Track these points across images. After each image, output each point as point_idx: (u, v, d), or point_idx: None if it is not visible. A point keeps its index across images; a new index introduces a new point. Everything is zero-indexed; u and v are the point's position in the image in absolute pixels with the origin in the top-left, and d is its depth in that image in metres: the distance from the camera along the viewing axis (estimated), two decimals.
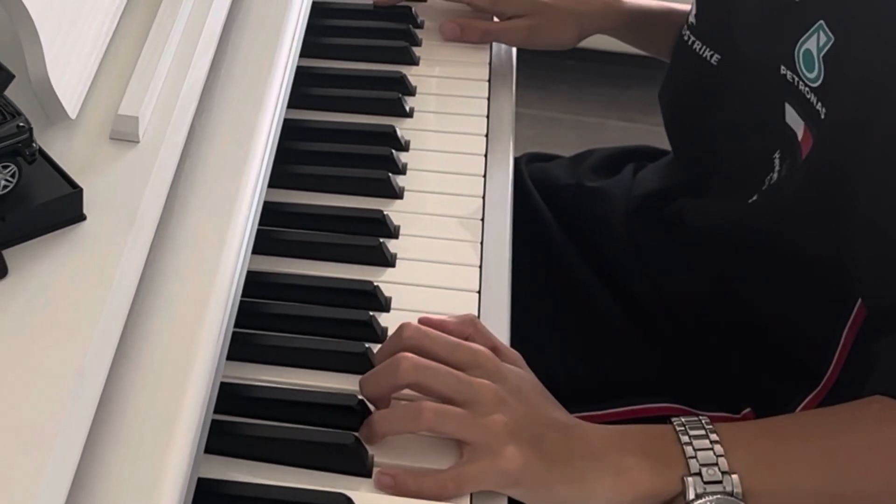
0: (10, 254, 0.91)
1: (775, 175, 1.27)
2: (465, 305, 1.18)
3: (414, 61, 1.48)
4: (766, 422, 1.11)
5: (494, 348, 1.09)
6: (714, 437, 1.04)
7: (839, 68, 1.17)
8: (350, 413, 1.06)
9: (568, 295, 1.45)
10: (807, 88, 1.20)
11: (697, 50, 1.40)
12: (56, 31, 0.97)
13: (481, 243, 1.25)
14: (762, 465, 1.04)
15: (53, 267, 0.91)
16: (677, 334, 1.39)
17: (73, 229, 0.94)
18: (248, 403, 1.06)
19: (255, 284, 1.12)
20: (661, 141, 1.49)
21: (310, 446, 1.03)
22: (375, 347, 1.12)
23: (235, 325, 1.02)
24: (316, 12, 1.40)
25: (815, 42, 1.18)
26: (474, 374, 1.05)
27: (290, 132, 1.27)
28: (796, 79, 1.22)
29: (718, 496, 1.02)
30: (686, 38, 1.43)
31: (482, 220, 1.27)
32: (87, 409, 0.84)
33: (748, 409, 1.34)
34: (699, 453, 1.04)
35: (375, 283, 1.18)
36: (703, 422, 1.06)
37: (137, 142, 1.01)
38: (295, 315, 1.15)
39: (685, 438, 1.04)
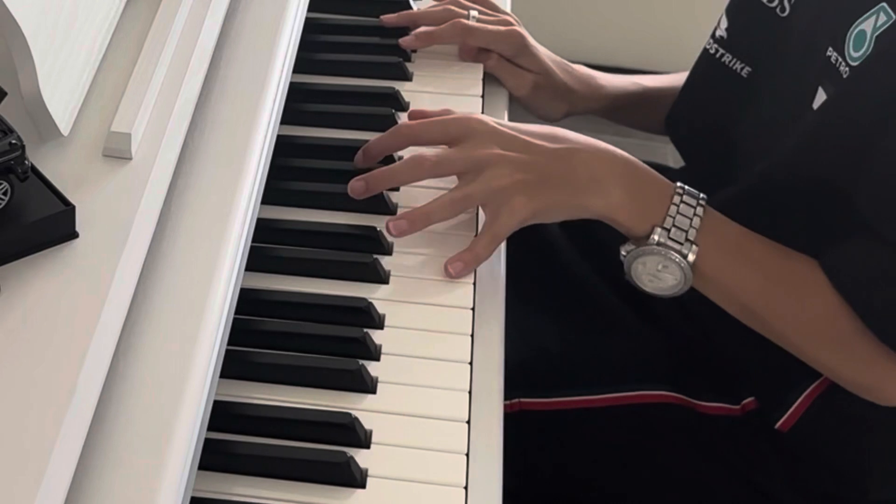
0: (2, 271, 0.90)
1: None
2: (459, 322, 1.18)
3: (407, 77, 1.47)
4: (740, 229, 1.25)
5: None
6: (700, 211, 1.22)
7: (889, 46, 1.19)
8: (344, 430, 1.05)
9: (567, 283, 1.46)
10: (847, 68, 1.23)
11: (727, 63, 1.43)
12: (48, 48, 0.97)
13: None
14: (722, 257, 1.23)
15: (46, 285, 0.90)
16: (680, 322, 1.39)
17: (65, 247, 0.93)
18: (241, 421, 1.06)
19: (248, 302, 1.12)
20: (653, 155, 1.50)
21: (303, 464, 1.03)
22: (369, 365, 1.12)
23: (229, 343, 1.01)
24: (309, 28, 1.40)
25: (873, 22, 1.20)
26: (474, 143, 1.23)
27: (284, 148, 1.27)
28: (839, 59, 1.24)
29: (672, 254, 1.20)
30: (714, 51, 1.45)
31: (476, 230, 1.27)
32: (80, 428, 0.83)
33: (750, 399, 1.35)
34: (679, 217, 1.22)
35: (369, 300, 1.18)
36: (700, 197, 1.23)
37: (130, 159, 1.01)
38: (288, 332, 1.15)
39: (676, 200, 1.22)
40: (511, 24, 1.50)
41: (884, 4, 1.20)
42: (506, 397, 1.13)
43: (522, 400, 1.36)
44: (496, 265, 1.25)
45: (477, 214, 1.29)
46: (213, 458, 1.00)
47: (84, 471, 0.83)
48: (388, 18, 1.52)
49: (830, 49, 1.25)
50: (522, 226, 1.23)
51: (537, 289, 1.46)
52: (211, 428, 0.97)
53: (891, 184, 1.19)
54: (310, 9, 1.37)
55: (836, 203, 1.22)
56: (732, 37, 1.43)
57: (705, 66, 1.47)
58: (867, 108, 1.20)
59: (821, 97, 1.26)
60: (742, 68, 1.41)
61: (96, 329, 0.87)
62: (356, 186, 1.25)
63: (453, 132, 1.26)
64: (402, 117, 1.41)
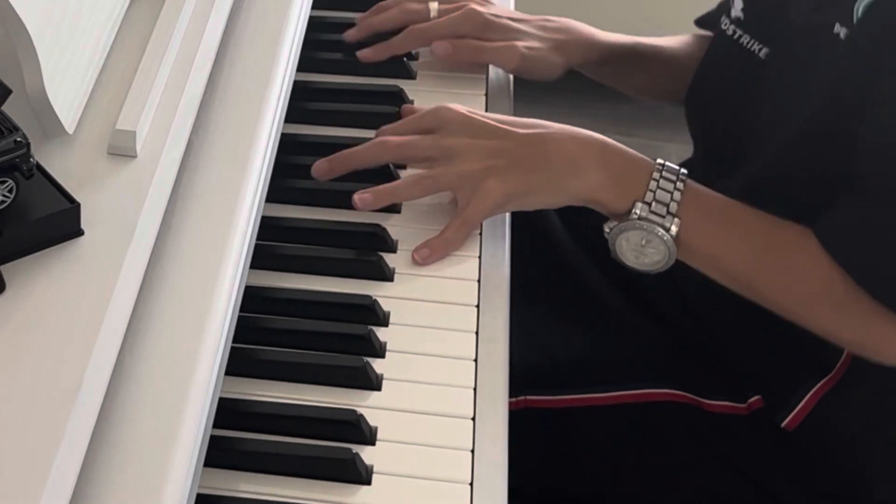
0: (7, 269, 0.90)
1: None
2: (464, 319, 1.18)
3: (411, 75, 1.47)
4: (726, 200, 1.25)
5: None
6: (680, 185, 1.22)
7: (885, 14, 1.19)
8: (349, 427, 1.05)
9: (572, 282, 1.46)
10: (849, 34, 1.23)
11: (745, 44, 1.40)
12: (53, 46, 0.97)
13: (479, 257, 1.24)
14: (707, 228, 1.23)
15: (51, 282, 0.90)
16: (686, 320, 1.39)
17: (70, 244, 0.93)
18: (247, 418, 1.06)
19: (253, 299, 1.12)
20: (657, 154, 1.49)
21: (309, 460, 1.03)
22: (374, 362, 1.12)
23: (234, 340, 1.01)
24: (313, 27, 1.40)
25: None
26: (444, 132, 1.25)
27: (288, 146, 1.27)
28: (847, 34, 1.23)
29: (655, 228, 1.21)
30: (730, 31, 1.42)
31: (480, 234, 1.27)
32: (85, 425, 0.83)
33: (756, 398, 1.34)
34: (659, 191, 1.22)
35: (374, 298, 1.18)
36: (680, 172, 1.24)
37: (135, 156, 1.01)
38: (293, 330, 1.15)
39: (656, 175, 1.23)
40: (467, 3, 1.48)
41: None
42: (511, 395, 1.13)
43: (528, 397, 1.35)
44: (500, 263, 1.25)
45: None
46: (219, 454, 1.00)
47: (90, 468, 0.83)
48: (350, 34, 1.50)
49: (838, 25, 1.24)
50: (497, 212, 1.25)
51: (543, 288, 1.46)
52: (216, 425, 0.97)
53: (884, 137, 1.19)
54: (313, 7, 1.37)
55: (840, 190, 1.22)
56: (748, 17, 1.41)
57: (722, 47, 1.44)
58: (865, 68, 1.20)
59: None
60: (760, 49, 1.38)
61: (102, 326, 0.87)
62: (320, 168, 1.27)
63: (425, 125, 1.28)
64: None
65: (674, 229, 1.21)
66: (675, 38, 1.56)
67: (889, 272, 1.20)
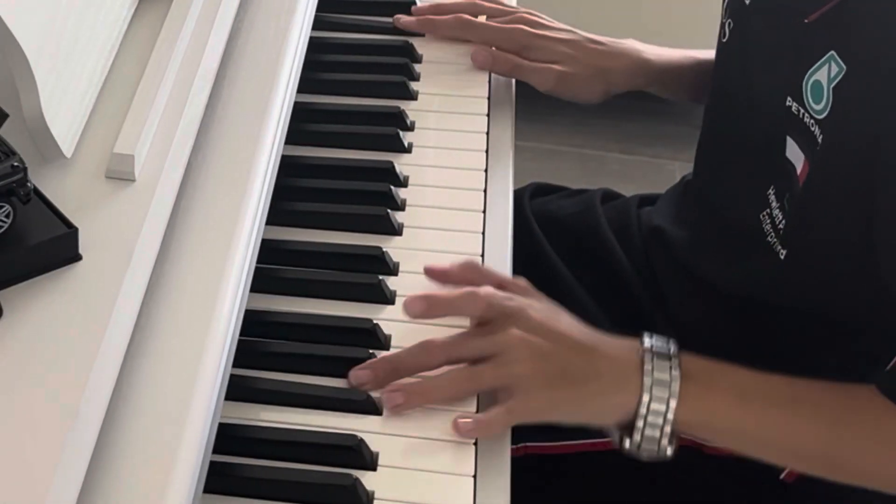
0: (5, 294, 0.90)
1: (774, 212, 1.26)
2: None
3: (412, 96, 1.47)
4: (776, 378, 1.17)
5: (500, 284, 1.18)
6: (675, 387, 1.14)
7: (849, 98, 1.16)
8: (350, 452, 1.05)
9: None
10: (812, 120, 1.19)
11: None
12: (51, 70, 0.97)
13: None
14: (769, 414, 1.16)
15: (49, 308, 0.90)
16: None
17: (68, 269, 0.93)
18: (247, 443, 1.06)
19: (253, 323, 1.12)
20: (660, 173, 1.49)
21: (309, 486, 1.03)
22: None
23: (234, 365, 1.01)
24: (313, 48, 1.40)
25: (826, 73, 1.17)
26: (494, 326, 1.15)
27: (288, 169, 1.26)
28: (802, 111, 1.21)
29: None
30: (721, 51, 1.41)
31: (482, 255, 1.26)
32: (83, 452, 0.83)
33: None
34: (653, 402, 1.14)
35: (375, 321, 1.17)
36: (672, 371, 1.14)
37: (133, 180, 1.01)
38: (294, 353, 1.14)
39: (647, 367, 1.14)
40: (520, 20, 1.49)
41: (833, 53, 1.17)
42: (511, 442, 1.12)
43: (528, 444, 1.34)
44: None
45: (483, 242, 1.28)
46: (219, 480, 1.00)
47: (88, 493, 0.83)
48: (402, 21, 1.52)
49: (790, 99, 1.22)
50: (533, 419, 1.14)
51: None
52: (216, 451, 0.96)
53: None
54: (314, 28, 1.37)
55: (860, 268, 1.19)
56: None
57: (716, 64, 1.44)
58: (850, 167, 1.16)
59: (792, 147, 1.22)
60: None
61: (99, 352, 0.87)
62: (360, 375, 1.12)
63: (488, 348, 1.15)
64: (408, 136, 1.40)
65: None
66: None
67: None
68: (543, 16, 1.53)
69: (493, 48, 1.49)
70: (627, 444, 1.14)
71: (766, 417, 1.16)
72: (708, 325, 1.34)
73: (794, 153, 1.22)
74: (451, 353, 1.14)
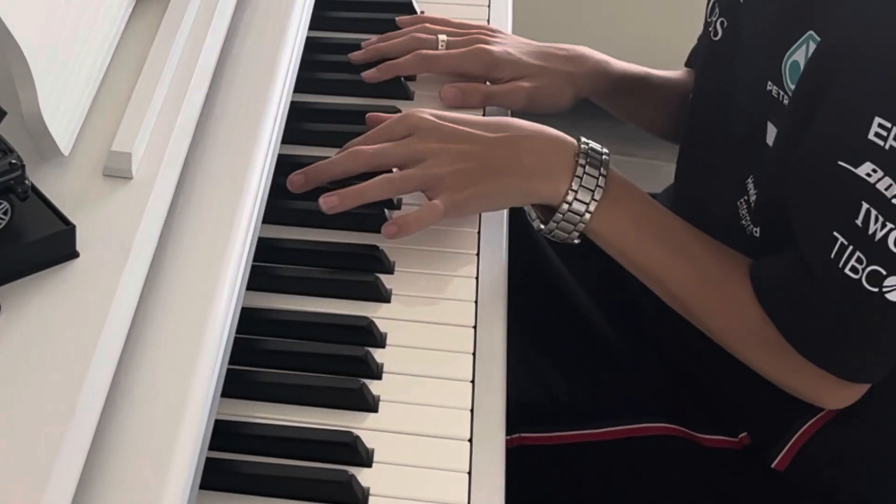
0: (2, 291, 0.90)
1: (750, 198, 1.26)
2: (461, 341, 1.17)
3: (408, 96, 1.47)
4: (659, 209, 1.29)
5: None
6: (597, 196, 1.25)
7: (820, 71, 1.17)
8: (346, 449, 1.05)
9: (567, 317, 1.45)
10: (789, 101, 1.20)
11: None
12: (49, 68, 0.97)
13: (476, 278, 1.24)
14: (640, 239, 1.26)
15: (47, 304, 0.90)
16: (684, 354, 1.38)
17: (66, 266, 0.93)
18: (243, 440, 1.06)
19: (249, 321, 1.12)
20: (658, 175, 1.49)
21: (304, 482, 1.03)
22: (371, 383, 1.12)
23: (230, 362, 1.01)
24: (310, 47, 1.40)
25: (805, 52, 1.18)
26: (415, 138, 1.27)
27: (285, 167, 1.27)
28: (781, 93, 1.22)
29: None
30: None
31: (477, 254, 1.27)
32: (81, 448, 0.83)
33: (744, 434, 1.34)
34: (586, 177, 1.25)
35: (371, 319, 1.17)
36: (599, 180, 1.25)
37: (131, 178, 1.01)
38: (290, 351, 1.15)
39: (579, 171, 1.25)
40: (478, 40, 1.48)
41: (811, 32, 1.18)
42: (507, 433, 1.12)
43: (523, 435, 1.35)
44: (498, 284, 1.25)
45: (479, 240, 1.29)
46: (215, 477, 1.00)
47: (84, 490, 0.83)
48: (356, 56, 1.49)
49: (770, 83, 1.23)
50: (464, 212, 1.27)
51: (538, 323, 1.45)
52: (212, 447, 0.96)
53: (810, 203, 1.18)
54: (310, 28, 1.37)
55: None
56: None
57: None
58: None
59: (772, 132, 1.24)
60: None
61: (97, 348, 0.87)
62: (295, 180, 1.27)
63: (398, 132, 1.28)
64: None
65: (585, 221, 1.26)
66: (683, 72, 1.56)
67: (811, 333, 1.20)
68: (497, 28, 1.52)
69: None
70: (542, 227, 1.27)
71: (649, 250, 1.27)
72: None
73: (773, 138, 1.23)
74: (376, 160, 1.27)
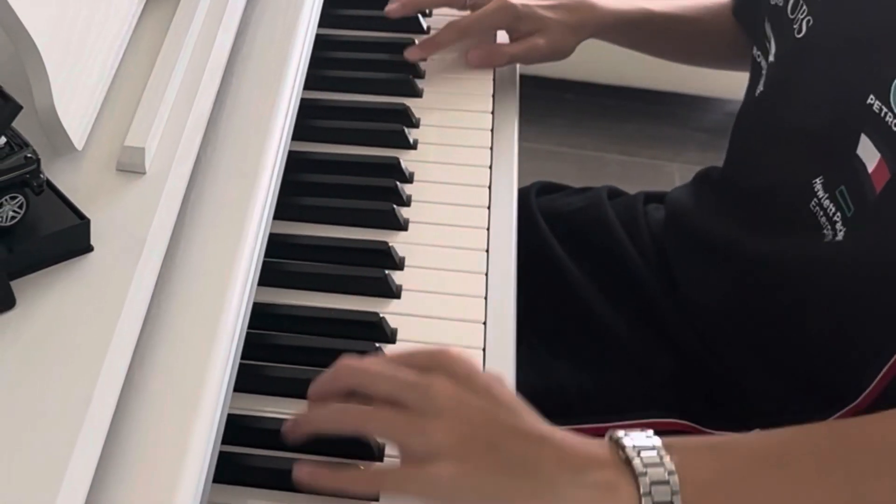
0: (17, 285, 0.90)
1: (824, 202, 1.24)
2: (470, 336, 1.18)
3: (417, 93, 1.48)
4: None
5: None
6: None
7: None
8: (357, 443, 1.05)
9: (576, 311, 1.45)
10: (895, 122, 1.17)
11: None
12: (62, 63, 0.97)
13: (486, 274, 1.25)
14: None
15: (61, 298, 0.91)
16: (698, 348, 1.38)
17: (80, 260, 0.94)
18: (255, 434, 1.06)
19: (261, 316, 1.12)
20: (658, 175, 1.50)
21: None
22: None
23: (242, 357, 1.01)
24: (320, 45, 1.40)
25: None
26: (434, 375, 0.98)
27: (295, 164, 1.27)
28: (885, 111, 1.18)
29: None
30: (756, 57, 1.42)
31: (487, 251, 1.27)
32: (95, 441, 0.83)
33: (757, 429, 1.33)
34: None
35: (381, 315, 1.18)
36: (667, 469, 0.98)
37: (144, 173, 1.01)
38: (301, 346, 1.15)
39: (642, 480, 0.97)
40: None
41: None
42: None
43: None
44: (507, 280, 1.25)
45: (488, 237, 1.29)
46: (227, 471, 1.00)
47: (99, 484, 0.83)
48: (392, 10, 1.57)
49: (873, 97, 1.19)
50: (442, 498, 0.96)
51: (548, 318, 1.45)
52: (224, 441, 0.97)
53: None
54: (320, 25, 1.37)
55: None
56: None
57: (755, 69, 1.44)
58: None
59: (865, 144, 1.19)
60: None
61: (111, 342, 0.87)
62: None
63: (416, 361, 1.02)
64: (413, 133, 1.41)
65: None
66: (691, 5, 1.60)
67: None
68: None
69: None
70: None
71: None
72: (730, 306, 1.34)
73: (868, 151, 1.19)
74: (359, 382, 1.00)
